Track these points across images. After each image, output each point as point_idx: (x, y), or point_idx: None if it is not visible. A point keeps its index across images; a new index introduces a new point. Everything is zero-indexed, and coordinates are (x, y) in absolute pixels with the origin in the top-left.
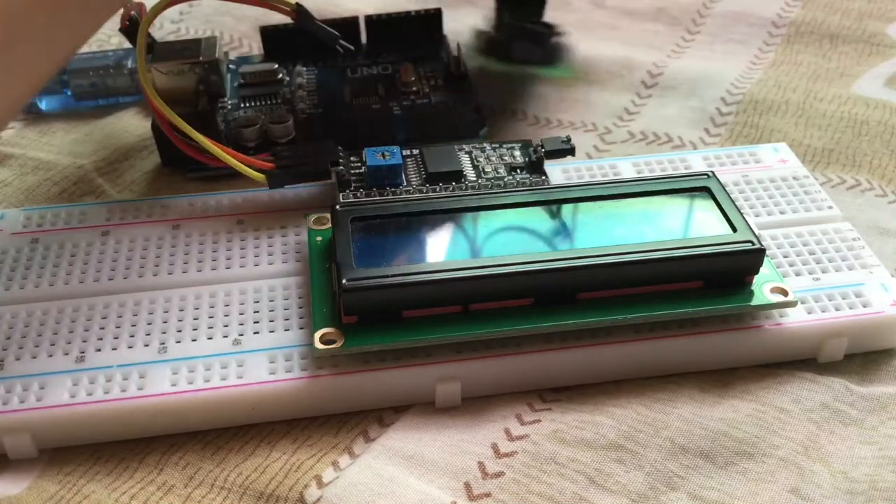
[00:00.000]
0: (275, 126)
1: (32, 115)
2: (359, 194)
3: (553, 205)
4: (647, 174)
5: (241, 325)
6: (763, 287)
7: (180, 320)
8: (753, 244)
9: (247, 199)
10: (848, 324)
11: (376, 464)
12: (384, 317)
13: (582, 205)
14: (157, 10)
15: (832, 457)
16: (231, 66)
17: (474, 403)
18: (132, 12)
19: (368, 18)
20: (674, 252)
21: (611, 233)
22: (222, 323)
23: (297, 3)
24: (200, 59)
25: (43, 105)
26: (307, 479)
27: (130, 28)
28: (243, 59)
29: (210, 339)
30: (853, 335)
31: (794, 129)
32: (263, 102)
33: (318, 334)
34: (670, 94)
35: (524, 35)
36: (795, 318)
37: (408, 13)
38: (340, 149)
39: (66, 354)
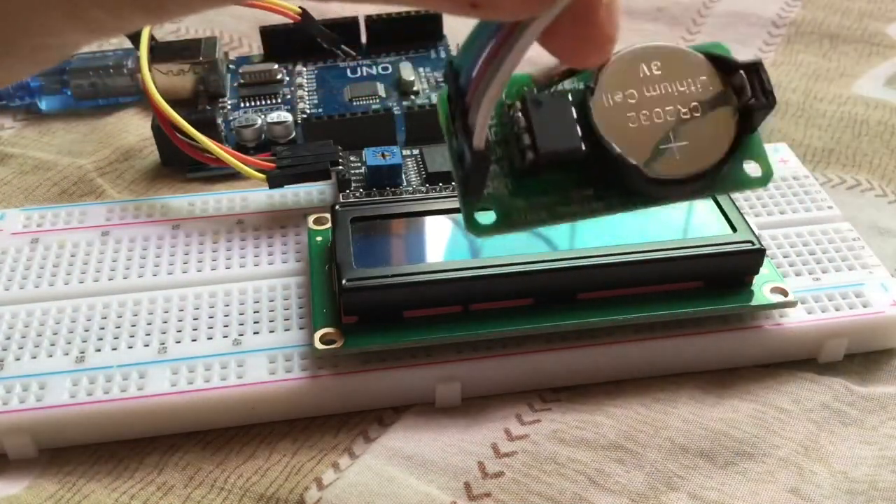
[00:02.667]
0: (275, 126)
1: (32, 115)
2: (359, 194)
3: None
4: None
5: (241, 325)
6: (763, 287)
7: (180, 320)
8: (753, 244)
9: (247, 199)
10: (848, 324)
11: (376, 464)
12: (384, 317)
13: None
14: None
15: (832, 457)
16: (231, 66)
17: (474, 403)
18: None
19: (368, 18)
20: (674, 252)
21: (611, 233)
22: (222, 323)
23: (301, 8)
24: (200, 59)
25: (43, 105)
26: (307, 482)
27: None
28: (243, 59)
29: (210, 339)
30: (853, 335)
31: (794, 129)
32: (263, 102)
33: (318, 334)
34: None
35: None
36: (795, 318)
37: (408, 13)
38: (340, 149)
39: (66, 354)
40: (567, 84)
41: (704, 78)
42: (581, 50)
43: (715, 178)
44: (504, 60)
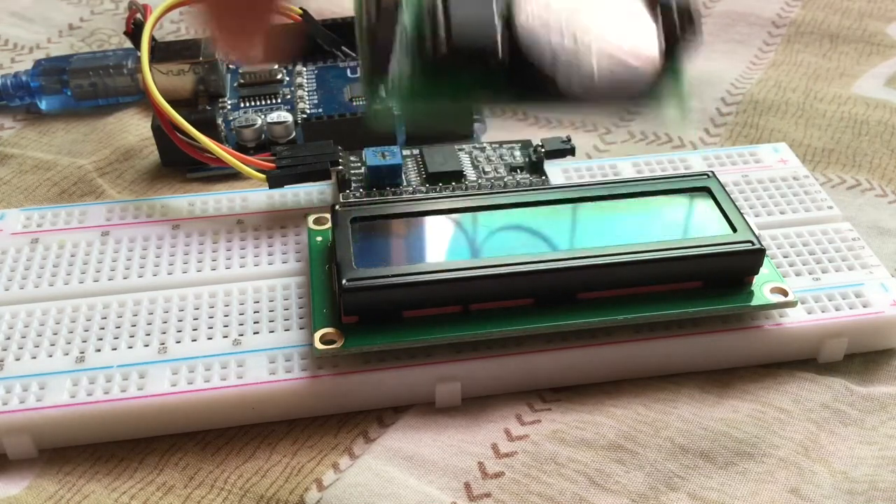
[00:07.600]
0: (275, 126)
1: (32, 115)
2: (359, 194)
3: (553, 205)
4: (647, 174)
5: (241, 325)
6: (763, 287)
7: (180, 320)
8: (753, 244)
9: (247, 199)
10: (848, 324)
11: (376, 464)
12: (384, 317)
13: (582, 205)
14: (163, 11)
15: (832, 457)
16: (231, 66)
17: (474, 403)
18: (137, 14)
19: None
20: (674, 252)
21: (611, 233)
22: (222, 323)
23: (302, 9)
24: (200, 59)
25: (43, 105)
26: (307, 483)
27: (135, 31)
28: None
29: (210, 339)
30: (853, 335)
31: (794, 129)
32: (263, 102)
33: (318, 334)
34: None
35: None
36: (795, 318)
37: None
38: (340, 149)
39: (66, 354)
40: None
41: None
42: None
43: (633, 89)
44: None
